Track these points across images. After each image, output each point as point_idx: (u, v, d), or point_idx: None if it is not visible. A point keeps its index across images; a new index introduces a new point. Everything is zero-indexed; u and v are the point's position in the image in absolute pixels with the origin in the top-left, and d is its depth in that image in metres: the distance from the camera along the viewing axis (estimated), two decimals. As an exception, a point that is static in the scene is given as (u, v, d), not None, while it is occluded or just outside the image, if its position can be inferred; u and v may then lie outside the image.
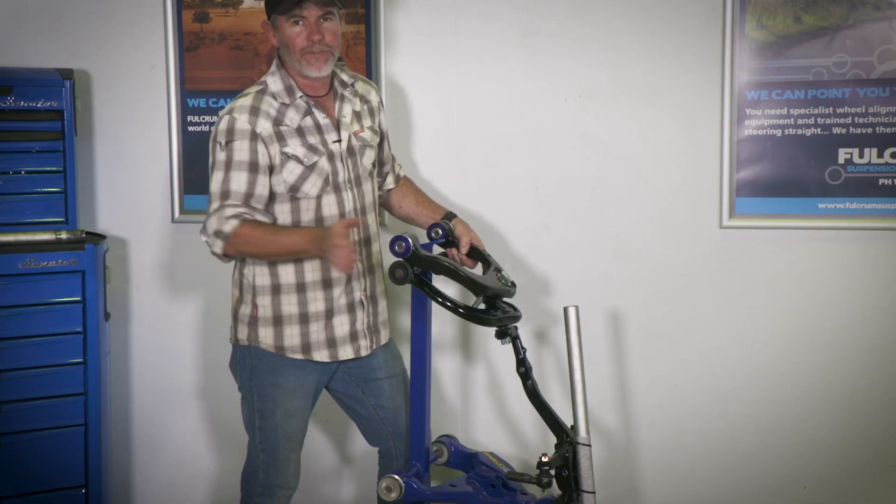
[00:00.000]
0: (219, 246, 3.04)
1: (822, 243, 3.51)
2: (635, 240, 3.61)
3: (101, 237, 3.74)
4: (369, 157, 3.26)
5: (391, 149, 3.44)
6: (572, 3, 3.55)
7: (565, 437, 3.16)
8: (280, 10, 3.08)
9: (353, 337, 3.22)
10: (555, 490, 3.16)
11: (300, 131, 3.13)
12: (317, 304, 3.17)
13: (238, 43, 3.72)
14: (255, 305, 3.17)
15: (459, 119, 3.66)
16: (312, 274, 3.15)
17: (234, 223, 3.01)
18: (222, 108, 3.16)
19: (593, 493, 3.12)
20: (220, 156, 3.06)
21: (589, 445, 3.12)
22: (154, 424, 3.96)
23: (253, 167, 3.05)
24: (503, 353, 3.44)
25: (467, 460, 3.43)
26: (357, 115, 3.24)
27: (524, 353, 3.21)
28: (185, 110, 3.76)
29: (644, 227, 3.60)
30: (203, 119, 3.76)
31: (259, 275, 3.16)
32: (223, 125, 3.07)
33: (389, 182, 3.45)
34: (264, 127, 3.07)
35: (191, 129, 3.77)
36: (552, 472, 3.10)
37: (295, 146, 3.10)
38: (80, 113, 3.71)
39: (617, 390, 3.67)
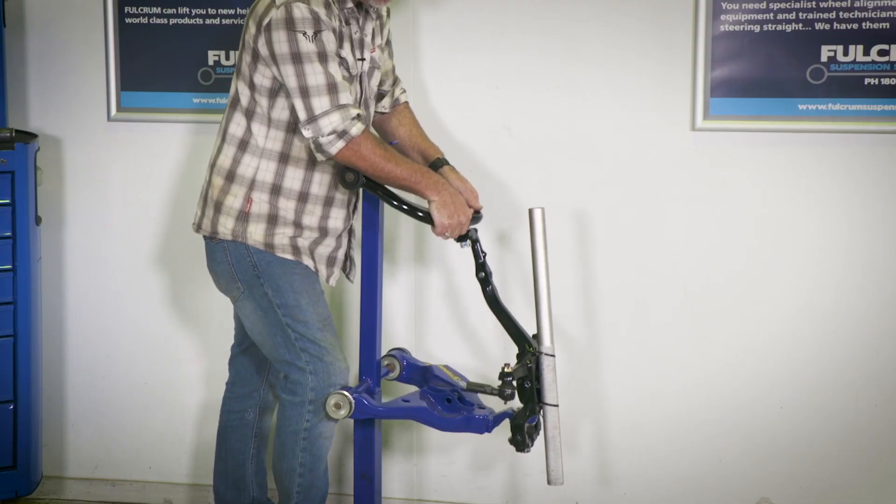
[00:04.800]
0: (337, 147, 2.78)
1: (802, 147, 3.30)
2: (601, 142, 3.39)
3: (32, 136, 3.49)
4: (376, 79, 3.05)
5: (394, 63, 3.21)
6: None
7: (528, 347, 2.97)
8: None
9: (331, 262, 3.04)
10: (515, 404, 2.98)
11: (350, 39, 2.90)
12: (312, 217, 2.95)
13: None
14: (249, 199, 2.91)
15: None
16: (319, 188, 2.93)
17: (360, 126, 2.78)
18: None
19: (557, 406, 2.95)
20: (309, 46, 2.75)
21: (553, 356, 2.94)
22: (88, 335, 3.73)
23: (339, 62, 2.83)
24: (462, 259, 3.31)
25: (421, 374, 3.23)
26: (373, 33, 3.03)
27: (484, 257, 3.01)
28: (122, 1, 3.51)
29: (611, 129, 3.38)
30: (142, 10, 3.51)
31: (264, 169, 2.90)
32: (301, 13, 2.74)
33: (384, 104, 3.17)
34: (335, 24, 2.82)
35: (128, 20, 3.52)
36: (514, 383, 2.93)
37: (347, 52, 2.87)
38: (9, 3, 3.47)
39: (581, 300, 3.45)
